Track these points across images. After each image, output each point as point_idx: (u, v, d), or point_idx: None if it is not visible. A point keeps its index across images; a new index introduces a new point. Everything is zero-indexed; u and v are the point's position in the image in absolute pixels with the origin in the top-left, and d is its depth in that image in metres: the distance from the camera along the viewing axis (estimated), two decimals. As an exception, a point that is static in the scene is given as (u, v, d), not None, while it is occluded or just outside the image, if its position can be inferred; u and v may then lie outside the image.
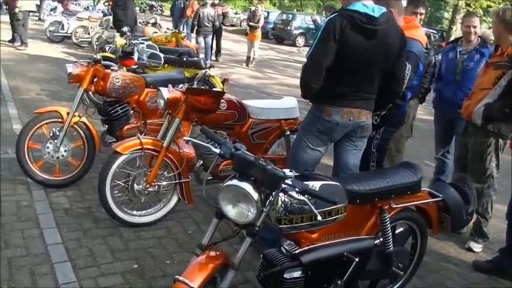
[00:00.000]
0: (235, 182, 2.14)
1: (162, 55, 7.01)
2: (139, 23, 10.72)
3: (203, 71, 3.79)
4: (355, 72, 3.10)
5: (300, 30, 23.95)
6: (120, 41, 7.01)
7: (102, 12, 14.97)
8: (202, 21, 12.79)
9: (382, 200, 2.79)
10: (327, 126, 3.22)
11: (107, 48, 9.34)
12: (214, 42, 13.74)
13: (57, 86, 8.38)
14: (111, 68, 4.51)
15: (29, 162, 4.17)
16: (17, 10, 11.55)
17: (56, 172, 4.27)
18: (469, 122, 4.11)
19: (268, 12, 25.29)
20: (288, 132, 4.38)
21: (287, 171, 2.19)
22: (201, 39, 12.84)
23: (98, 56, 4.33)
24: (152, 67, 7.00)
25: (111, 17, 13.57)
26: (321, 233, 2.56)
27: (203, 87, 3.78)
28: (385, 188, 2.77)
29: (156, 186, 3.70)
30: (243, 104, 4.05)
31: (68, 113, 4.20)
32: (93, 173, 4.49)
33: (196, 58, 7.38)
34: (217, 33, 13.41)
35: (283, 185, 2.11)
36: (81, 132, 4.28)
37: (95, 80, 4.35)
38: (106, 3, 15.84)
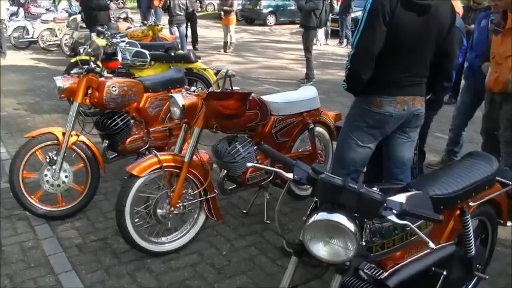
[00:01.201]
0: (325, 215, 1.69)
1: (147, 52, 6.45)
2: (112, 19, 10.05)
3: (224, 70, 3.26)
4: (408, 55, 2.68)
5: (270, 9, 23.23)
6: (100, 41, 6.41)
7: (67, 11, 14.12)
8: (174, 9, 12.13)
9: (463, 200, 2.40)
10: (379, 119, 2.80)
11: (81, 50, 8.72)
12: (189, 31, 13.09)
13: (35, 97, 7.74)
14: (105, 75, 3.97)
15: (26, 194, 3.64)
16: None
17: (59, 202, 3.76)
18: (496, 93, 3.82)
19: (235, -6, 24.54)
20: (312, 126, 3.95)
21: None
22: (174, 29, 12.18)
23: (92, 64, 3.79)
24: (138, 66, 6.45)
25: (78, 16, 12.85)
26: (405, 249, 2.16)
27: (226, 89, 3.26)
28: (467, 187, 2.37)
29: (182, 207, 3.23)
30: (264, 101, 3.58)
31: (63, 133, 3.68)
32: (99, 195, 4.02)
33: (183, 51, 6.83)
34: (191, 20, 12.75)
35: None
36: (81, 153, 3.76)
37: (89, 91, 3.81)
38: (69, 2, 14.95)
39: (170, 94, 3.21)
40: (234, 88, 3.29)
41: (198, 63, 6.46)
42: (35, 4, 16.26)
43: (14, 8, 15.01)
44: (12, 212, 3.83)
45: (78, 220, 3.73)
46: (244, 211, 3.99)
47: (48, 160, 3.66)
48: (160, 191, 3.21)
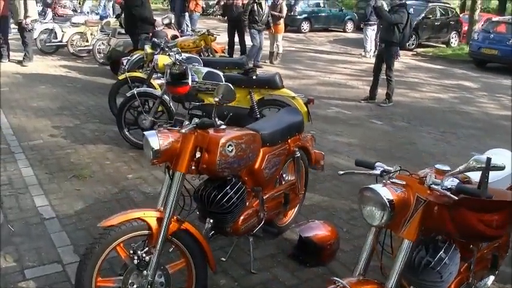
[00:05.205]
0: None
1: (221, 74, 5.18)
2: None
3: (480, 156, 1.93)
4: None
5: (304, 15, 21.98)
6: (162, 58, 5.14)
7: (97, 14, 12.90)
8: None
9: None
10: None
11: (124, 62, 7.47)
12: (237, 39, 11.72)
13: (72, 119, 6.47)
14: (216, 127, 2.65)
15: (101, 312, 2.36)
16: (28, 20, 9.76)
17: (149, 321, 2.46)
18: None
19: (266, -1, 23.27)
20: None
21: None
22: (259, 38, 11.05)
23: (196, 120, 2.48)
24: (207, 91, 5.17)
25: (111, 20, 11.65)
26: None
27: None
28: None
29: None
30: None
31: (158, 219, 2.39)
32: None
33: (265, 74, 5.52)
34: (239, 28, 11.36)
35: None
36: (183, 247, 2.48)
37: (197, 154, 2.52)
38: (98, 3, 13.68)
39: (367, 186, 1.89)
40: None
41: (285, 90, 5.17)
42: (61, 4, 15.01)
43: (39, 8, 13.81)
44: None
45: None
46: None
47: (136, 261, 2.36)
48: None
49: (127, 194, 4.25)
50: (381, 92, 8.76)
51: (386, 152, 5.92)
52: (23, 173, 4.63)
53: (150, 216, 2.40)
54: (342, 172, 2.24)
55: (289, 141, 3.26)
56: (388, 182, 1.94)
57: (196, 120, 2.45)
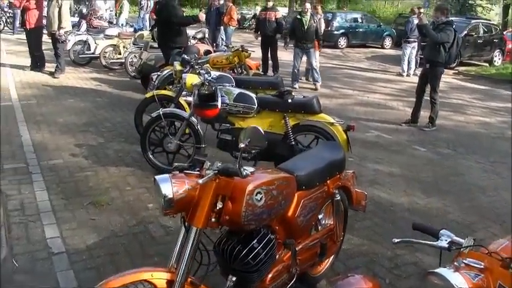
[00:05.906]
0: None
1: (253, 96, 4.77)
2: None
3: None
4: None
5: (342, 31, 21.52)
6: (191, 78, 4.77)
7: (132, 26, 12.74)
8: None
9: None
10: None
11: (153, 78, 7.19)
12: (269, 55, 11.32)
13: (97, 137, 6.17)
14: (242, 177, 2.19)
15: None
16: (62, 31, 9.71)
17: None
18: None
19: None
20: None
21: None
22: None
23: (218, 164, 2.06)
24: (239, 114, 4.76)
25: (145, 32, 11.46)
26: None
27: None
28: None
29: None
30: None
31: (169, 282, 1.98)
32: None
33: (303, 96, 5.05)
34: (272, 44, 10.99)
35: None
36: (198, 315, 2.05)
37: (218, 204, 2.10)
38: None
39: (433, 270, 1.43)
40: None
41: (323, 115, 4.71)
42: (97, 16, 14.99)
43: (75, 19, 13.82)
44: None
45: None
46: None
47: (140, 334, 1.96)
48: None
49: (145, 228, 3.87)
50: (423, 114, 8.19)
51: (431, 184, 5.38)
52: (37, 197, 4.32)
53: (159, 278, 1.99)
54: (397, 240, 1.79)
55: (328, 181, 2.81)
56: (462, 263, 1.47)
57: (218, 164, 2.03)
